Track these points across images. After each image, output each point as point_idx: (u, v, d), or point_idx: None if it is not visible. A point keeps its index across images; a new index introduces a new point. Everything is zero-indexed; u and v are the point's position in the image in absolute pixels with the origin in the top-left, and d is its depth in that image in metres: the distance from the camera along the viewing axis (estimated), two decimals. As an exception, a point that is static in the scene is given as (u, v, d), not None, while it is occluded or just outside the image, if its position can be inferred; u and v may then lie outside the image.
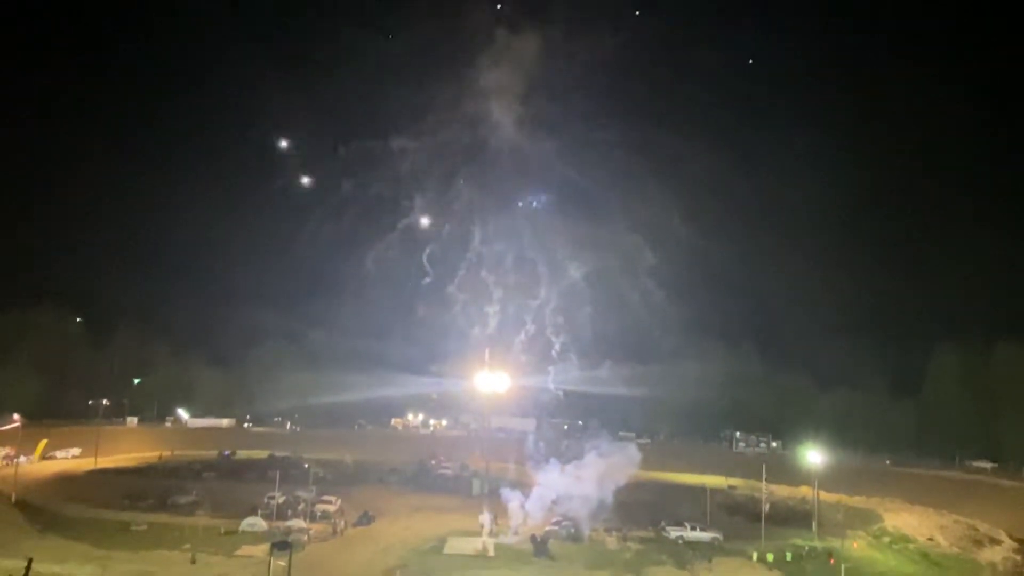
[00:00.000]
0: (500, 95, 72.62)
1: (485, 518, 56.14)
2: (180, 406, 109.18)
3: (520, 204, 74.65)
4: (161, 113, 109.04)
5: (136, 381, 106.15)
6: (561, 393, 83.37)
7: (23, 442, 77.17)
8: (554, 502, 59.46)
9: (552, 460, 64.71)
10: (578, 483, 59.32)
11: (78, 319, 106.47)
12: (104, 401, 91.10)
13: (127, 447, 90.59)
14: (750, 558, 52.28)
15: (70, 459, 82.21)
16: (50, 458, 68.78)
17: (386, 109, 79.94)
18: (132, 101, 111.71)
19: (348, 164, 79.95)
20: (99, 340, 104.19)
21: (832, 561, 50.12)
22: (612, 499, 58.27)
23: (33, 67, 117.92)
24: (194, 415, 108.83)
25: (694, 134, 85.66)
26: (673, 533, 57.26)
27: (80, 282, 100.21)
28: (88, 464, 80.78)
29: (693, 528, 57.76)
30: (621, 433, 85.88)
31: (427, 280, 76.48)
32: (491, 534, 55.15)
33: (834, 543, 57.05)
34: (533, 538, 53.47)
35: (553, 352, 76.50)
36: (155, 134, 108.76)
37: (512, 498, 59.54)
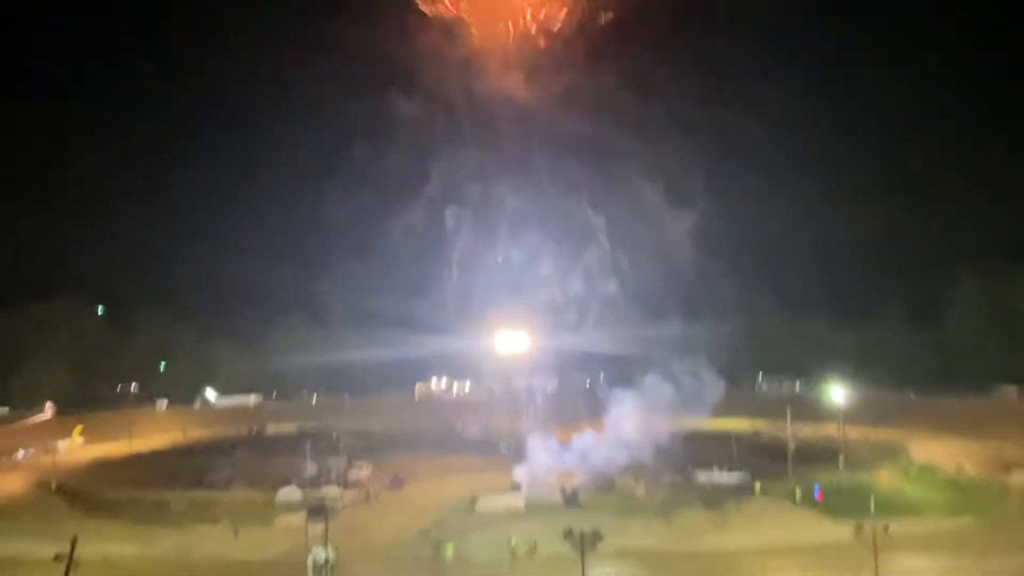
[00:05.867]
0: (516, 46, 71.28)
1: (520, 472, 57.01)
2: (206, 386, 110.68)
3: (541, 161, 73.22)
4: (170, 89, 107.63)
5: (162, 365, 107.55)
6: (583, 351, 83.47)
7: (55, 431, 78.99)
8: (581, 455, 60.11)
9: (577, 415, 65.24)
10: (604, 435, 59.93)
11: (100, 307, 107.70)
12: (133, 386, 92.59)
13: (159, 430, 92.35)
14: (779, 496, 52.76)
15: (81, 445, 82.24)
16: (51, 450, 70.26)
17: (404, 67, 77.79)
18: (142, 80, 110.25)
19: (366, 125, 78.64)
20: (122, 327, 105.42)
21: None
22: (639, 448, 58.87)
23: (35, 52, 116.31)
24: (221, 394, 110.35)
25: (708, 78, 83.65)
26: (701, 477, 57.81)
27: (98, 270, 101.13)
28: (123, 448, 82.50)
29: (720, 471, 58.26)
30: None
31: (448, 242, 75.94)
32: (521, 489, 55.95)
33: (862, 477, 57.43)
34: (563, 490, 54.23)
35: (575, 310, 76.25)
36: (165, 113, 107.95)
37: (540, 454, 60.28)
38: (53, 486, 61.68)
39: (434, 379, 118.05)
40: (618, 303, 72.21)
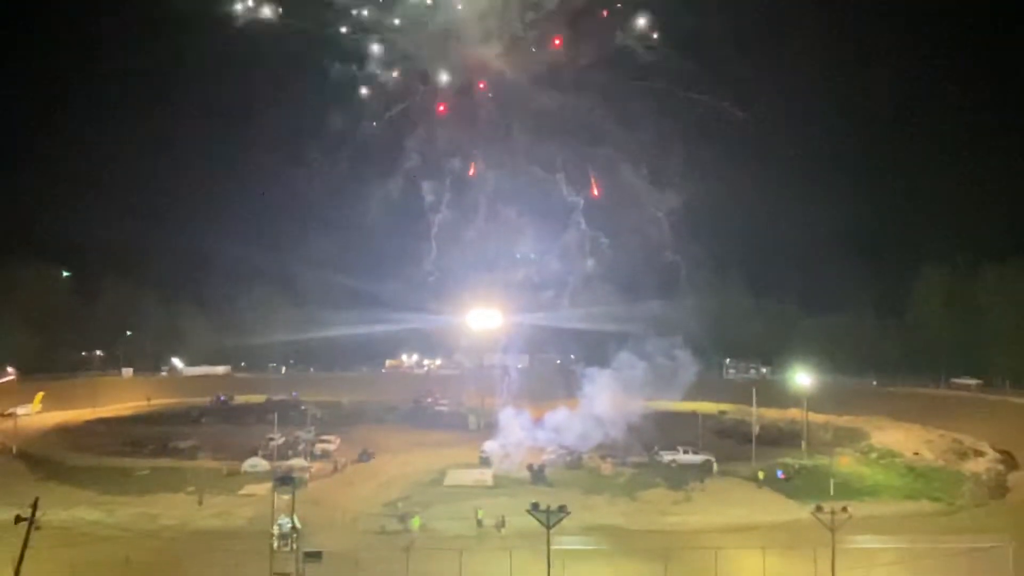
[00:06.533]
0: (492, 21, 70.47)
1: (490, 446, 57.44)
2: (174, 355, 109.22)
3: (514, 135, 72.89)
4: (138, 49, 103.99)
5: (128, 333, 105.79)
6: (553, 329, 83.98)
7: (17, 396, 77.49)
8: (551, 432, 60.64)
9: (547, 393, 65.63)
10: (574, 413, 60.45)
11: (64, 272, 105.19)
12: (98, 352, 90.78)
13: (124, 397, 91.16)
14: (742, 477, 53.82)
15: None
16: (11, 415, 68.62)
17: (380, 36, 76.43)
18: (109, 39, 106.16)
19: (339, 98, 77.49)
20: (88, 292, 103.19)
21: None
22: (607, 428, 59.51)
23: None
24: (189, 363, 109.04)
25: (679, 62, 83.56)
26: (666, 457, 58.63)
27: (65, 234, 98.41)
28: (87, 414, 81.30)
29: (686, 452, 59.09)
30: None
31: (423, 218, 75.58)
32: (490, 463, 56.38)
33: (822, 460, 58.79)
34: (531, 467, 54.72)
35: (547, 288, 76.57)
36: (133, 72, 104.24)
37: (509, 430, 60.68)
38: (14, 450, 60.77)
39: (404, 355, 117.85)
40: (592, 282, 72.70)
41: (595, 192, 74.83)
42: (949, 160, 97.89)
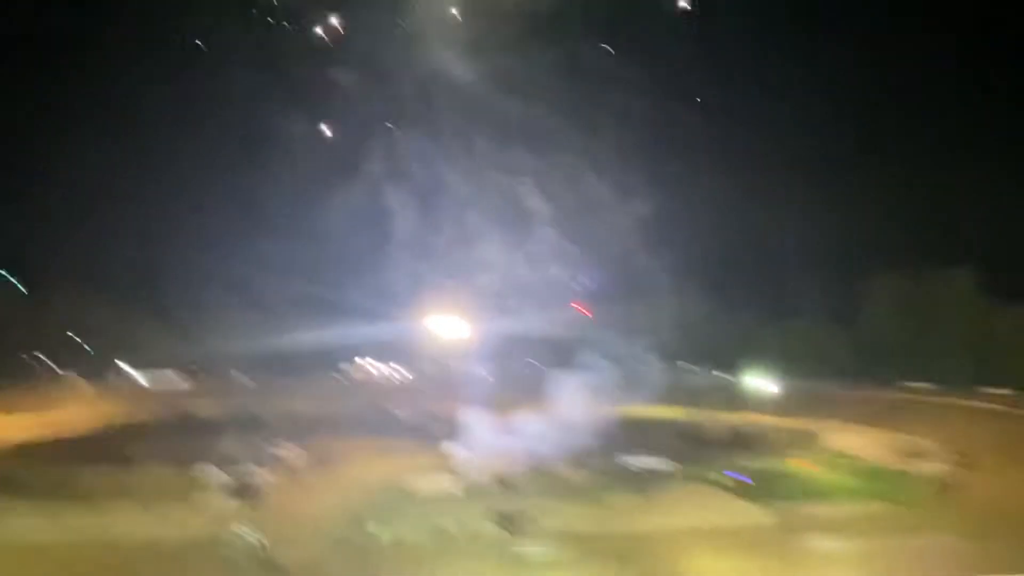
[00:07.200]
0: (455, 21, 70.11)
1: (454, 452, 56.99)
2: (125, 362, 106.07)
3: (476, 140, 72.48)
4: (97, 62, 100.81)
5: (72, 335, 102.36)
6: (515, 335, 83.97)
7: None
8: (515, 438, 60.46)
9: (512, 399, 65.43)
10: (538, 419, 60.38)
11: (3, 273, 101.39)
12: (40, 357, 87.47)
13: (72, 405, 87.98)
14: (704, 481, 54.38)
15: None
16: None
17: (339, 39, 75.35)
18: (56, 44, 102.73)
19: (296, 95, 76.12)
20: (36, 298, 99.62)
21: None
22: (569, 434, 59.58)
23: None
24: (141, 370, 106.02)
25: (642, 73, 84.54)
26: (630, 462, 58.93)
27: (12, 238, 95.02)
28: (32, 423, 78.12)
29: (648, 456, 59.49)
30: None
31: (382, 219, 74.63)
32: (454, 470, 55.95)
33: (777, 464, 59.79)
34: (496, 474, 54.39)
35: (506, 295, 76.41)
36: (78, 74, 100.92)
37: (472, 436, 60.33)
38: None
39: (367, 361, 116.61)
40: (556, 289, 72.88)
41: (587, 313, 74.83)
42: (899, 168, 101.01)
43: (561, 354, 79.42)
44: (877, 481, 55.40)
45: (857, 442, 66.79)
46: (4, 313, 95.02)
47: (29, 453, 63.92)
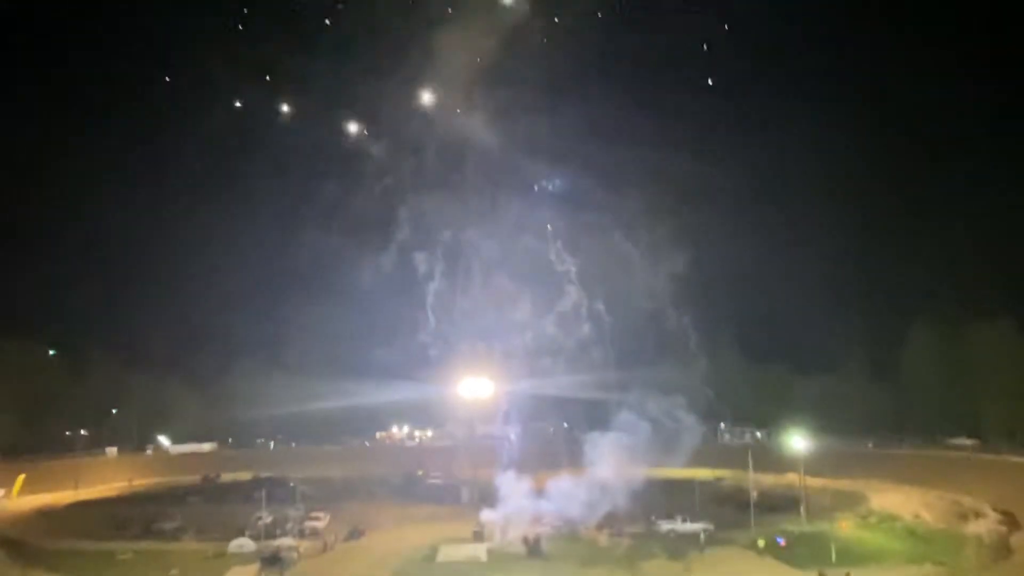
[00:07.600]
0: (488, 84, 72.45)
1: (487, 517, 56.20)
2: (160, 432, 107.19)
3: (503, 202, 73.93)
4: (123, 120, 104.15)
5: (114, 411, 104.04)
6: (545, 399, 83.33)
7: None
8: (545, 503, 59.46)
9: (541, 463, 64.59)
10: (569, 483, 59.41)
11: (51, 351, 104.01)
12: (82, 432, 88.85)
13: (108, 478, 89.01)
14: (742, 545, 52.67)
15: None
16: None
17: (370, 106, 78.37)
18: (94, 97, 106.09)
19: (328, 164, 78.74)
20: (73, 370, 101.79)
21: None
22: (603, 497, 58.44)
23: None
24: (175, 441, 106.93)
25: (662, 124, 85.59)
26: (664, 526, 57.40)
27: (49, 310, 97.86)
28: (69, 497, 79.14)
29: (684, 520, 57.92)
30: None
31: (414, 286, 75.81)
32: (483, 537, 55.04)
33: (822, 526, 57.74)
34: (525, 539, 53.37)
35: (537, 357, 76.20)
36: (117, 141, 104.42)
37: (503, 502, 59.45)
38: (-8, 536, 58.82)
39: (395, 426, 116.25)
40: (586, 349, 72.59)
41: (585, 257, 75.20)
42: (938, 218, 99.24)
43: (594, 415, 78.70)
44: (925, 543, 53.06)
45: (904, 502, 64.42)
46: (44, 388, 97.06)
47: (60, 526, 64.54)
